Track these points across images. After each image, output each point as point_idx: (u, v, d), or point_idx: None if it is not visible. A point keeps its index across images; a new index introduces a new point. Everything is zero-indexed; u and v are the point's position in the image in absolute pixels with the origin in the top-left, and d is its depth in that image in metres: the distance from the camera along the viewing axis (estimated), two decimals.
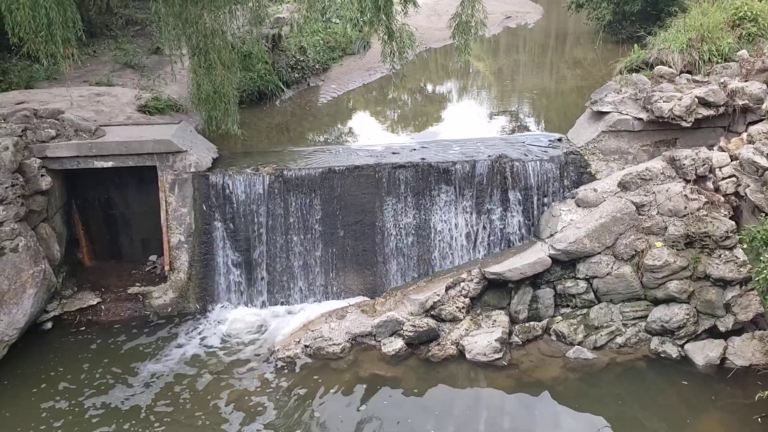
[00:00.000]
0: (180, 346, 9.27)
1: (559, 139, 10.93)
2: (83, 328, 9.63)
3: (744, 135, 9.24)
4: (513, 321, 9.20)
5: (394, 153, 10.60)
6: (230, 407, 8.05)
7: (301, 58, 17.79)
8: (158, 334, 9.55)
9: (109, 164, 9.80)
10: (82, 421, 7.84)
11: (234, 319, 9.86)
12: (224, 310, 10.05)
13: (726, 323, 8.72)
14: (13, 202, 8.79)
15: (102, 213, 10.61)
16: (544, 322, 9.19)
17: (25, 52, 9.59)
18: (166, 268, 10.12)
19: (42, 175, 9.37)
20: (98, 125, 10.16)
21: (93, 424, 7.78)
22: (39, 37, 8.99)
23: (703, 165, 9.09)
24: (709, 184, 9.10)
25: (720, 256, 8.63)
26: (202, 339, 9.42)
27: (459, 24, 11.89)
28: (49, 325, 9.54)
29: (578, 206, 9.48)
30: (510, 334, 9.04)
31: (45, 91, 12.13)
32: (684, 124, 9.44)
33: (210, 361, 8.95)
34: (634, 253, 8.93)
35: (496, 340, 8.74)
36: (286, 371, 8.70)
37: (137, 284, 10.23)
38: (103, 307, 9.90)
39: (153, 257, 10.76)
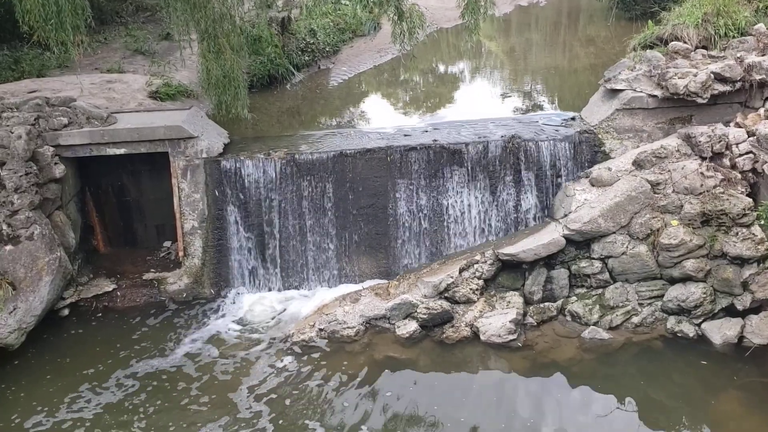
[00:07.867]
0: (195, 331, 9.33)
1: (573, 118, 10.80)
2: (99, 314, 9.72)
3: (761, 110, 9.09)
4: (527, 302, 9.17)
5: (405, 135, 10.54)
6: (246, 391, 8.10)
7: (311, 41, 17.66)
8: (174, 319, 9.62)
9: (122, 151, 9.83)
10: (101, 406, 7.92)
11: (248, 303, 9.91)
12: (238, 295, 10.09)
13: (743, 301, 8.62)
14: (27, 190, 8.86)
15: (116, 200, 10.65)
16: (559, 302, 9.15)
17: (36, 40, 9.59)
18: (180, 253, 10.17)
19: (55, 163, 9.41)
20: (110, 112, 10.17)
21: (111, 409, 7.86)
22: (49, 25, 8.96)
23: (720, 142, 8.94)
24: (726, 161, 8.96)
25: (737, 233, 8.51)
26: (217, 324, 9.48)
27: (468, 3, 11.77)
28: (66, 312, 9.63)
29: (592, 185, 9.39)
30: (524, 315, 9.01)
31: (56, 79, 12.14)
32: (699, 100, 9.29)
33: (225, 345, 9.01)
34: (649, 232, 8.84)
35: (510, 322, 8.72)
36: (301, 355, 8.73)
37: (152, 270, 10.30)
38: (118, 293, 9.98)
39: (167, 243, 10.81)
